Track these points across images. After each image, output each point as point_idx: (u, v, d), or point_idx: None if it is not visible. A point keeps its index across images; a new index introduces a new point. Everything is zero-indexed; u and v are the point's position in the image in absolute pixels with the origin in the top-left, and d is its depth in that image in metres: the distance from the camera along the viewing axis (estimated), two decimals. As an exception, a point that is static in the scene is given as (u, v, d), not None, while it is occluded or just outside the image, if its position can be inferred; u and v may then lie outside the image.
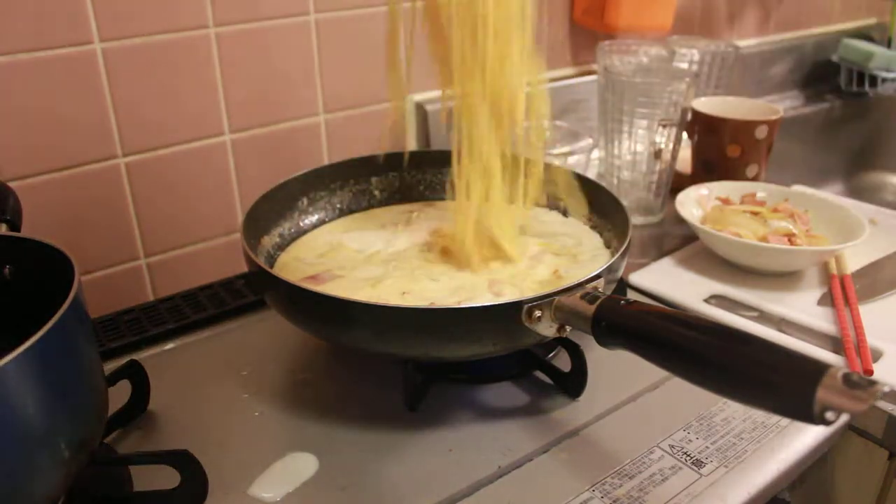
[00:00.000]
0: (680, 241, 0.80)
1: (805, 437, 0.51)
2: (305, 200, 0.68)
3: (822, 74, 1.39)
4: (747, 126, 0.86)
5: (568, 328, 0.47)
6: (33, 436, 0.36)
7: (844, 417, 0.39)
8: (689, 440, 0.50)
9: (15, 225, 0.51)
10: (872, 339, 0.60)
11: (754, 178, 0.89)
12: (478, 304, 0.50)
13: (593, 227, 0.66)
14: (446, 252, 0.61)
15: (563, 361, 0.56)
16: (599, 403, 0.54)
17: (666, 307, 0.46)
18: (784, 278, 0.71)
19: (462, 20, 0.53)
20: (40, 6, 0.62)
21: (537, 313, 0.46)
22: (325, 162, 0.82)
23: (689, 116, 0.88)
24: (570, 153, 0.82)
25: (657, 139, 0.81)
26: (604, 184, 0.66)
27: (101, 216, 0.70)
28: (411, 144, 0.90)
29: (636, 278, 0.71)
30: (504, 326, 0.47)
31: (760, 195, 0.80)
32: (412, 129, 0.89)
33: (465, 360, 0.56)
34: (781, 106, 0.93)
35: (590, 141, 0.84)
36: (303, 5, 0.76)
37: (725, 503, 0.46)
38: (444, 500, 0.46)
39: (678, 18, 1.08)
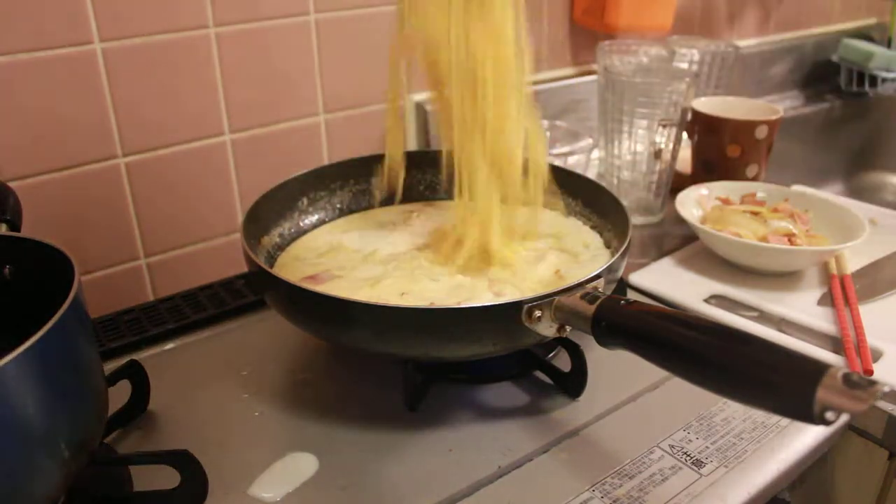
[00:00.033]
0: (680, 241, 0.80)
1: (805, 437, 0.51)
2: (305, 200, 0.68)
3: (822, 74, 1.39)
4: (747, 126, 0.86)
5: (568, 328, 0.47)
6: (33, 436, 0.36)
7: (844, 417, 0.39)
8: (689, 440, 0.50)
9: (15, 225, 0.51)
10: (872, 339, 0.60)
11: (754, 178, 0.89)
12: (478, 304, 0.50)
13: (593, 227, 0.66)
14: (446, 252, 0.61)
15: (563, 361, 0.56)
16: (599, 403, 0.54)
17: (666, 307, 0.46)
18: (784, 278, 0.71)
19: (462, 83, 0.54)
20: (40, 6, 0.62)
21: (537, 313, 0.46)
22: (325, 162, 0.82)
23: (689, 116, 0.88)
24: (570, 153, 0.82)
25: (657, 139, 0.81)
26: (604, 184, 0.66)
27: (101, 216, 0.70)
28: (411, 144, 0.90)
29: (636, 278, 0.71)
30: (504, 326, 0.47)
31: (760, 195, 0.80)
32: (412, 129, 0.89)
33: (465, 360, 0.56)
34: (781, 106, 0.93)
35: (590, 141, 0.84)
36: (303, 5, 0.76)
37: (725, 503, 0.46)
38: (444, 500, 0.46)
39: (678, 18, 1.08)
